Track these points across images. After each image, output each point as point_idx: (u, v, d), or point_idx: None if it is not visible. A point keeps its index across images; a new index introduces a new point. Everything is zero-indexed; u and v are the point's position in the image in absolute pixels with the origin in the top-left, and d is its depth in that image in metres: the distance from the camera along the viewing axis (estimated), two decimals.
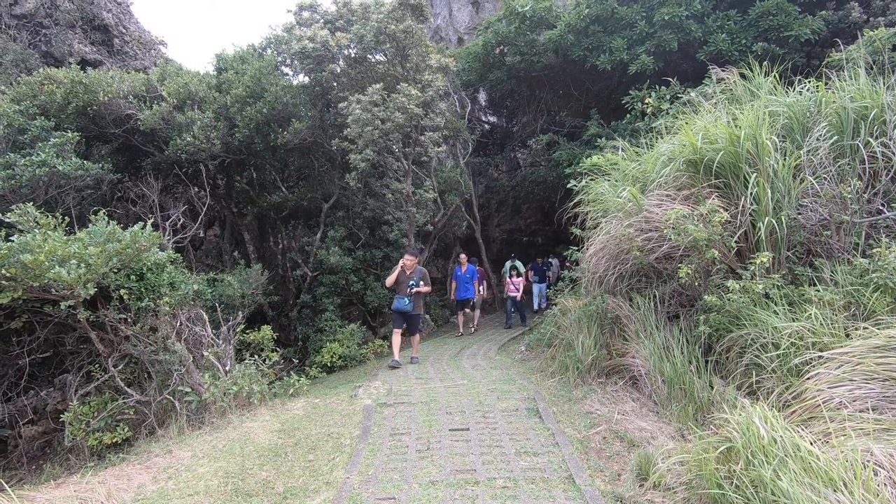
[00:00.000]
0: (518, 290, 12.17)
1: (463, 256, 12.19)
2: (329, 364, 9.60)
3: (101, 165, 9.44)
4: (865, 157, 4.41)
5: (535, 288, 14.41)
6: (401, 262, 7.75)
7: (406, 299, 7.61)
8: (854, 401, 2.96)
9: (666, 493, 3.03)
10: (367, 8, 11.88)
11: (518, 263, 12.49)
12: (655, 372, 4.55)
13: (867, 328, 3.38)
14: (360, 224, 12.98)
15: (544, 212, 17.00)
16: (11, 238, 5.08)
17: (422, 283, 7.74)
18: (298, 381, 6.41)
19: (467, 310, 11.96)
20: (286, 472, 3.87)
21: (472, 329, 12.05)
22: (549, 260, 15.38)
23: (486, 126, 18.60)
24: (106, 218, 6.12)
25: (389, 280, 7.77)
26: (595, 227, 5.80)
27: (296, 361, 9.60)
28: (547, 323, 7.52)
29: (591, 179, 6.34)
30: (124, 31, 16.24)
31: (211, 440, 4.70)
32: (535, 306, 14.28)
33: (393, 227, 12.26)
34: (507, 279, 12.34)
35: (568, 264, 15.69)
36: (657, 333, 4.76)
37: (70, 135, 9.09)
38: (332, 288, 11.84)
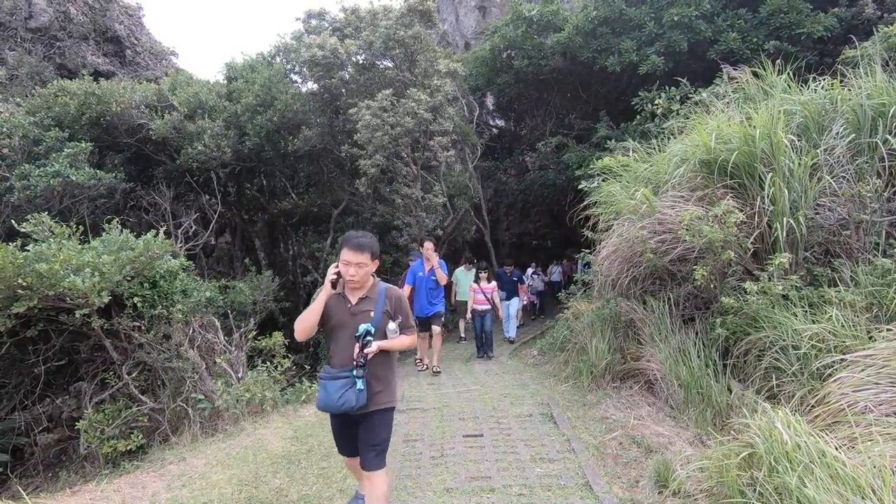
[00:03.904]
0: (489, 301, 8.50)
1: (428, 245, 7.39)
2: None
3: (113, 175, 9.56)
4: (885, 155, 4.32)
5: (503, 308, 9.83)
6: (330, 274, 2.73)
7: (353, 374, 2.68)
8: (880, 405, 2.88)
9: (686, 501, 2.96)
10: (376, 14, 11.95)
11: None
12: (671, 376, 4.47)
13: (891, 330, 3.29)
14: (369, 230, 12.98)
15: (553, 215, 16.92)
16: (27, 248, 5.14)
17: (390, 325, 2.79)
18: (310, 387, 6.40)
19: (435, 327, 7.46)
20: (300, 479, 3.85)
21: (434, 365, 7.55)
22: (510, 268, 10.75)
23: (494, 130, 18.58)
24: (119, 226, 6.18)
25: (303, 324, 2.78)
26: (607, 230, 5.74)
27: (307, 367, 9.61)
28: (559, 327, 7.45)
29: (603, 181, 6.29)
30: (136, 42, 16.47)
31: (224, 447, 4.70)
32: (506, 332, 10.48)
33: (402, 233, 12.26)
34: (473, 286, 8.71)
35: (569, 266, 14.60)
36: (672, 337, 4.69)
37: (83, 145, 9.22)
38: None
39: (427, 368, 7.65)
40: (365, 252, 2.70)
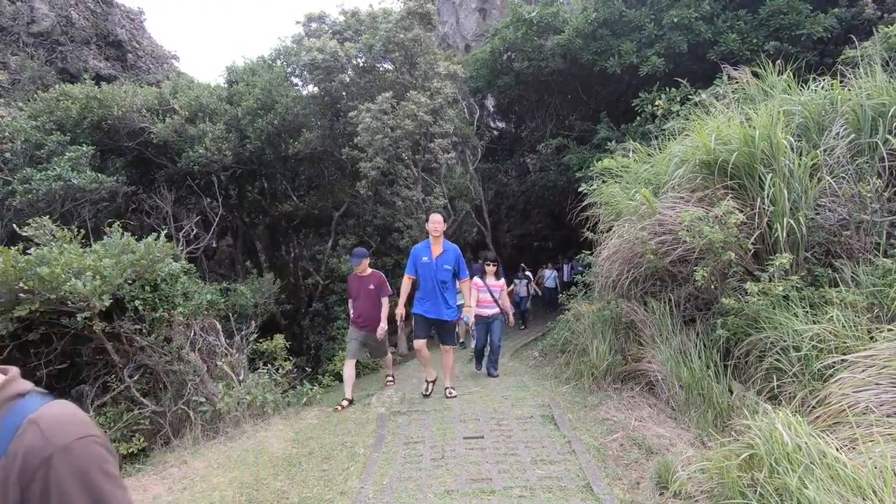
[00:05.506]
0: (496, 303, 6.78)
1: (435, 219, 5.63)
2: (341, 372, 9.59)
3: (115, 178, 9.60)
4: (885, 155, 4.32)
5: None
6: None
7: None
8: (881, 405, 2.87)
9: (687, 502, 2.95)
10: (376, 18, 11.98)
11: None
12: (672, 377, 4.47)
13: (892, 330, 3.29)
14: (370, 232, 13.02)
15: (554, 216, 16.94)
16: (29, 251, 5.15)
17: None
18: (311, 389, 6.40)
19: (445, 346, 5.76)
20: (300, 481, 3.85)
21: (447, 386, 5.79)
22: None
23: (494, 132, 18.63)
24: (120, 230, 6.19)
25: None
26: (608, 231, 5.75)
27: (308, 370, 9.60)
28: (560, 328, 7.43)
29: (603, 182, 6.29)
30: (137, 46, 16.54)
31: (225, 450, 4.70)
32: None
33: (403, 235, 12.27)
34: (477, 282, 6.73)
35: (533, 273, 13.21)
36: (673, 338, 4.69)
37: (85, 149, 9.26)
38: (344, 296, 11.83)
39: (430, 393, 5.89)
40: None
